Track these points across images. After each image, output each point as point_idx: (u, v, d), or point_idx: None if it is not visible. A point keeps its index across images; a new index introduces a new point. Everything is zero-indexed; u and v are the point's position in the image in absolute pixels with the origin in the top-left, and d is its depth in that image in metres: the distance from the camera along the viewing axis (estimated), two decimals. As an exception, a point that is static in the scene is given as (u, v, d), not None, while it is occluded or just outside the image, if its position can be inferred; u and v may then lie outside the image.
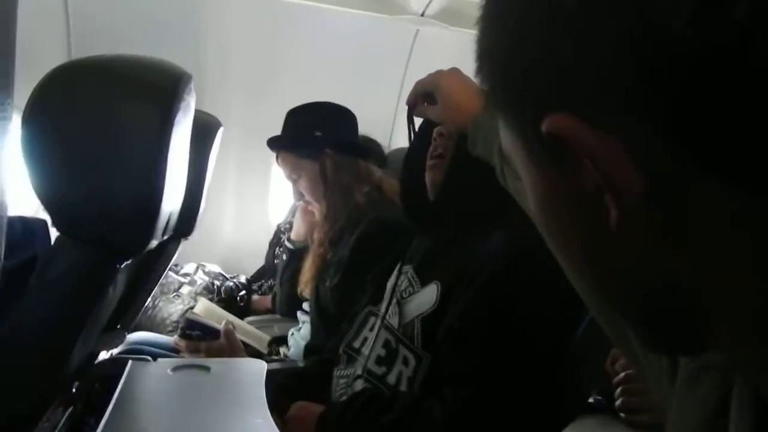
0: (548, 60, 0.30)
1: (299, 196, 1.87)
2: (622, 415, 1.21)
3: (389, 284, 1.22)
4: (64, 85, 0.77)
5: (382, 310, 1.19)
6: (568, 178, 0.31)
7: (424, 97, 1.00)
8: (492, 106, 0.36)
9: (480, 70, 0.36)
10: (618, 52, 0.27)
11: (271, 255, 2.58)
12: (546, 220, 0.36)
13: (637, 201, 0.29)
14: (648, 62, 0.26)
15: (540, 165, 0.34)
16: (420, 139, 1.19)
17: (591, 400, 1.23)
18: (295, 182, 1.84)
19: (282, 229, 2.56)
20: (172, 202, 0.91)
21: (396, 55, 2.82)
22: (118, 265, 0.88)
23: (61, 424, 1.06)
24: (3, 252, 0.42)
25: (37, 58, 1.81)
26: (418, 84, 1.00)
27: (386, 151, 2.89)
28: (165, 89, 0.76)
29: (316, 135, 1.79)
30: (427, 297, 1.08)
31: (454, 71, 0.96)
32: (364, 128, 2.06)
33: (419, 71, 1.00)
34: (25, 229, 0.93)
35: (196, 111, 0.99)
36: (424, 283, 1.11)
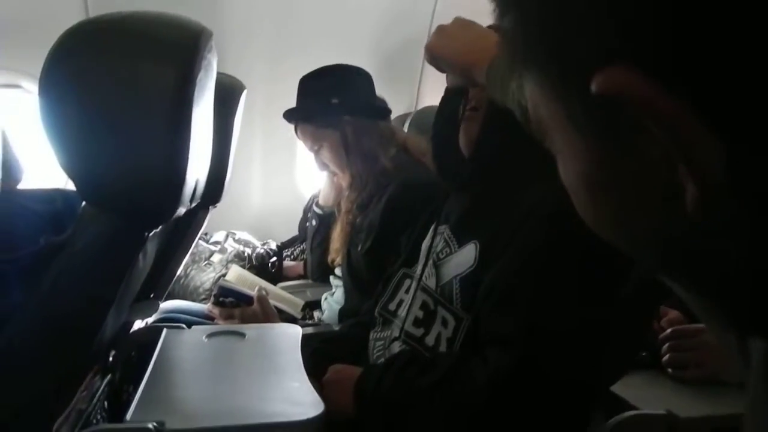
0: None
1: (323, 166, 1.83)
2: (669, 370, 1.19)
3: (424, 245, 1.19)
4: (79, 48, 0.73)
5: (418, 271, 1.16)
6: (622, 150, 0.26)
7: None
8: (519, 62, 0.30)
9: (503, 16, 0.30)
10: None
11: (303, 220, 2.57)
12: (590, 198, 0.31)
13: (720, 174, 0.23)
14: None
15: (583, 134, 0.28)
16: (452, 96, 1.14)
17: (637, 357, 1.20)
18: (317, 153, 1.80)
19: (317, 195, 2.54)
20: (197, 168, 0.89)
21: (421, 10, 2.74)
22: (146, 234, 0.86)
23: (99, 392, 1.07)
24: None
25: (51, 18, 1.78)
26: (426, 47, 0.93)
27: (414, 109, 2.84)
28: (185, 46, 0.73)
29: (332, 102, 1.73)
30: (465, 257, 1.04)
31: (454, 19, 0.90)
32: (390, 87, 2.00)
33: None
34: (66, 203, 0.92)
35: (218, 74, 0.96)
36: (461, 243, 1.07)
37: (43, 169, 1.98)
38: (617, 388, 1.08)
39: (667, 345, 1.20)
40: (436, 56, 0.92)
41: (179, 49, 0.73)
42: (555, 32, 0.26)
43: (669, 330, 1.21)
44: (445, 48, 0.90)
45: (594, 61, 0.24)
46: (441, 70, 0.96)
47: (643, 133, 0.24)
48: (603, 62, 0.24)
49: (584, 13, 0.25)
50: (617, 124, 0.25)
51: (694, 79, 0.23)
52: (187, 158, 0.77)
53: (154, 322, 1.54)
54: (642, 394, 1.11)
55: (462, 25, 0.90)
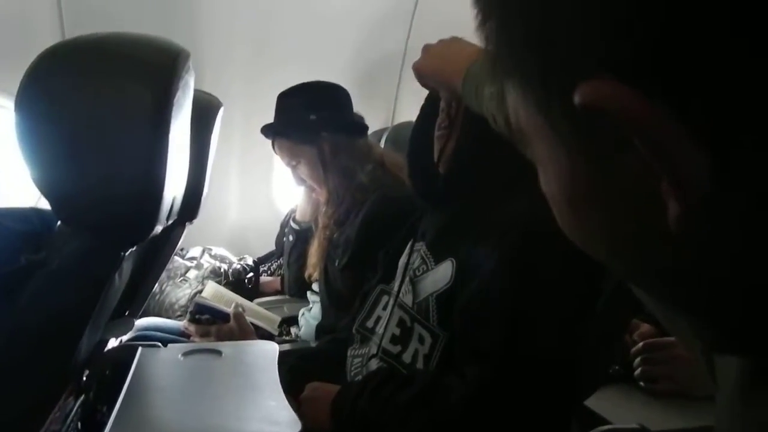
0: (588, 5, 0.23)
1: (300, 181, 1.84)
2: (641, 384, 1.21)
3: (401, 262, 1.20)
4: (57, 67, 0.73)
5: (395, 288, 1.17)
6: (605, 162, 0.26)
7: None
8: (501, 70, 0.30)
9: (484, 22, 0.29)
10: None
11: (280, 236, 2.56)
12: (571, 209, 0.30)
13: (705, 192, 0.23)
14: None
15: (566, 146, 0.27)
16: (428, 111, 1.16)
17: (610, 370, 1.22)
18: (294, 168, 1.81)
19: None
20: (175, 185, 0.89)
21: (397, 27, 2.76)
22: (122, 253, 0.86)
23: (73, 413, 1.05)
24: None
25: (28, 38, 1.76)
26: (413, 67, 0.95)
27: (390, 125, 2.85)
28: (163, 67, 0.73)
29: (310, 119, 1.74)
30: (441, 274, 1.05)
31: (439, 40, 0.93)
32: (366, 102, 2.01)
33: (422, 41, 0.96)
34: (42, 222, 0.91)
35: (196, 91, 0.96)
36: (438, 261, 1.08)
37: (16, 187, 1.95)
38: (590, 402, 1.09)
39: (639, 359, 1.22)
40: (422, 75, 0.94)
41: (157, 70, 0.73)
42: (538, 41, 0.26)
43: (641, 344, 1.23)
44: (429, 66, 0.92)
45: (577, 71, 0.24)
46: (429, 89, 0.98)
47: (625, 146, 0.24)
48: (587, 73, 0.24)
49: (569, 23, 0.24)
50: (600, 136, 0.25)
51: (679, 93, 0.22)
52: (164, 178, 0.77)
53: (129, 339, 1.53)
54: (614, 408, 1.12)
55: (445, 42, 0.92)
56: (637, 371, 1.21)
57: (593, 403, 1.09)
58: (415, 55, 0.95)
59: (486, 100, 0.79)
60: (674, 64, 0.22)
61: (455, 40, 0.91)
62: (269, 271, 2.59)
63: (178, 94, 0.76)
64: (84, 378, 1.13)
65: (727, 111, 0.22)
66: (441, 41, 0.93)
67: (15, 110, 0.72)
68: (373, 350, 1.15)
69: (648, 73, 0.23)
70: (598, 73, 0.23)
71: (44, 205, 0.80)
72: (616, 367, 1.24)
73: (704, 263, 0.26)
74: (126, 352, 1.22)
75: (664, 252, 0.26)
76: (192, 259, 2.44)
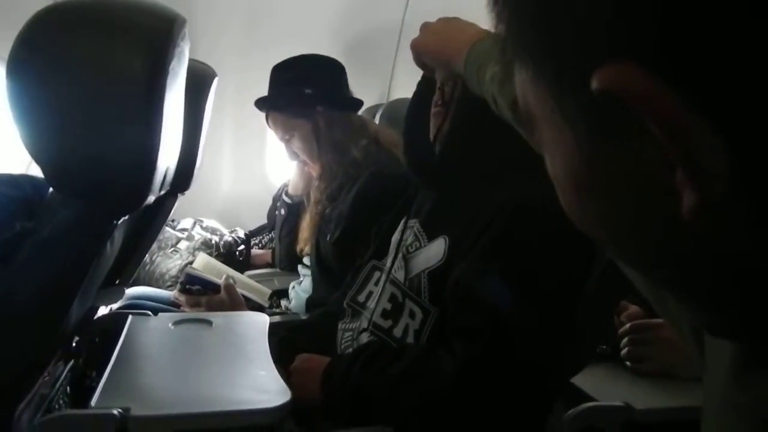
0: None
1: (294, 156, 1.83)
2: (627, 363, 1.23)
3: (394, 239, 1.20)
4: (50, 32, 0.72)
5: (388, 264, 1.17)
6: (615, 149, 0.25)
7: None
8: (512, 53, 0.29)
9: (495, 4, 0.29)
10: None
11: (273, 209, 2.55)
12: (577, 195, 0.30)
13: (723, 182, 0.22)
14: None
15: (575, 131, 0.27)
16: (424, 89, 1.15)
17: (597, 350, 1.23)
18: (287, 142, 1.80)
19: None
20: (168, 155, 0.88)
21: (394, 1, 2.73)
22: (114, 222, 0.86)
23: (62, 378, 1.06)
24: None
25: (19, 1, 1.73)
26: (411, 45, 0.93)
27: (385, 101, 2.84)
28: (158, 33, 0.72)
29: (306, 93, 1.73)
30: (434, 251, 1.06)
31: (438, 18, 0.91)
32: (361, 78, 2.00)
33: (419, 18, 0.95)
34: (35, 189, 0.90)
35: (190, 60, 0.95)
36: (431, 238, 1.09)
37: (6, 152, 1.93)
38: (577, 380, 1.11)
39: (626, 339, 1.23)
40: (420, 52, 0.93)
41: (152, 36, 0.72)
42: (553, 25, 0.25)
43: (628, 324, 1.24)
44: (427, 44, 0.91)
45: (592, 56, 0.23)
46: (424, 68, 0.97)
47: (639, 134, 0.23)
48: (602, 58, 0.23)
49: (585, 7, 0.24)
50: (612, 122, 0.25)
51: (699, 79, 0.22)
52: (159, 146, 0.76)
53: (120, 308, 1.53)
54: (601, 386, 1.14)
55: (445, 21, 0.91)
56: (624, 351, 1.23)
57: (580, 380, 1.11)
58: (412, 32, 0.94)
59: (487, 83, 0.78)
60: (693, 49, 0.21)
61: (455, 20, 0.90)
62: (260, 244, 2.59)
63: (174, 61, 0.75)
64: (74, 344, 1.13)
65: (746, 99, 0.21)
66: (440, 19, 0.92)
67: (6, 75, 0.71)
68: (364, 324, 1.15)
69: (667, 58, 0.22)
70: (614, 58, 0.23)
71: (35, 171, 0.80)
72: (604, 347, 1.26)
73: (711, 252, 0.26)
74: (116, 320, 1.23)
75: (669, 239, 0.26)
76: (183, 230, 2.44)
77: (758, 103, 0.21)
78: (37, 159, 0.74)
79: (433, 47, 0.90)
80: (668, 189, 0.24)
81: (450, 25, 0.89)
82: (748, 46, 0.21)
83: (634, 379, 1.20)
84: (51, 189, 0.82)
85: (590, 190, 0.28)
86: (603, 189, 0.28)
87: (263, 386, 0.93)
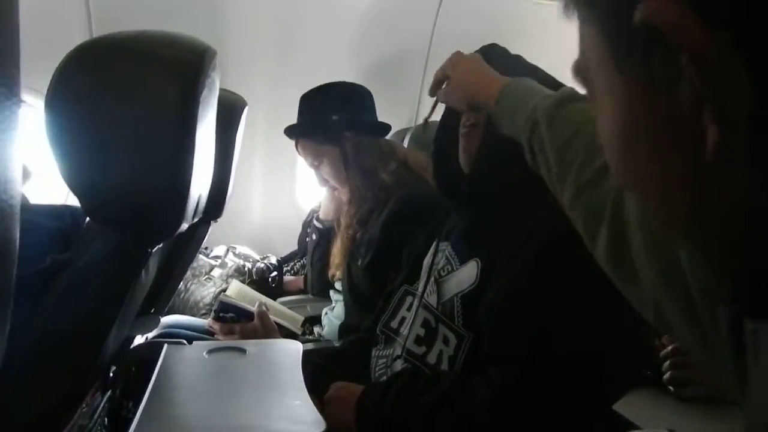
0: None
1: (323, 182, 1.84)
2: (670, 388, 1.19)
3: (426, 262, 1.19)
4: (86, 66, 0.74)
5: (420, 289, 1.16)
6: (658, 92, 0.27)
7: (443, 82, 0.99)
8: (573, 4, 0.32)
9: None
10: None
11: (303, 235, 2.57)
12: (623, 148, 0.31)
13: (745, 121, 0.24)
14: None
15: (624, 72, 0.29)
16: (452, 110, 1.15)
17: (640, 374, 1.20)
18: (317, 168, 1.81)
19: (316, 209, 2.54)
20: (201, 183, 0.89)
21: (421, 26, 2.75)
22: (149, 250, 0.86)
23: (100, 408, 1.06)
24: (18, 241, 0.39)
25: (57, 37, 1.79)
26: (437, 71, 0.99)
27: (413, 125, 2.85)
28: (190, 64, 0.73)
29: (333, 119, 1.75)
30: (466, 274, 1.04)
31: (472, 56, 0.94)
32: (388, 104, 2.01)
33: (445, 43, 0.97)
34: (73, 219, 0.92)
35: (221, 90, 0.96)
36: (463, 261, 1.07)
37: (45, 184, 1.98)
38: (619, 407, 1.07)
39: (668, 362, 1.20)
40: (448, 101, 0.99)
41: (184, 67, 0.73)
42: None
43: (670, 347, 1.20)
44: (456, 94, 0.95)
45: None
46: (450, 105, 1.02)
47: (678, 77, 0.25)
48: None
49: None
50: (654, 60, 0.26)
51: (734, 16, 0.23)
52: (191, 175, 0.77)
53: (155, 337, 1.54)
54: (643, 412, 1.10)
55: (467, 64, 0.94)
56: (666, 375, 1.19)
57: (621, 406, 1.07)
58: (439, 56, 0.97)
59: (522, 128, 0.82)
60: None
61: (476, 70, 0.93)
62: (292, 271, 2.59)
63: (205, 91, 0.76)
64: (111, 374, 1.14)
65: None
66: (458, 58, 0.95)
67: (45, 109, 0.73)
68: (398, 351, 1.14)
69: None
70: None
71: (73, 201, 0.81)
72: (648, 372, 1.22)
73: (744, 200, 0.27)
74: (152, 349, 1.23)
75: (707, 188, 0.28)
76: (216, 257, 2.46)
77: None
78: (74, 189, 0.76)
79: (461, 99, 0.94)
80: (700, 132, 0.25)
81: (473, 75, 0.93)
82: None
83: (677, 404, 1.16)
84: (87, 219, 0.83)
85: (634, 138, 0.31)
86: (646, 135, 0.30)
87: (298, 416, 0.92)
